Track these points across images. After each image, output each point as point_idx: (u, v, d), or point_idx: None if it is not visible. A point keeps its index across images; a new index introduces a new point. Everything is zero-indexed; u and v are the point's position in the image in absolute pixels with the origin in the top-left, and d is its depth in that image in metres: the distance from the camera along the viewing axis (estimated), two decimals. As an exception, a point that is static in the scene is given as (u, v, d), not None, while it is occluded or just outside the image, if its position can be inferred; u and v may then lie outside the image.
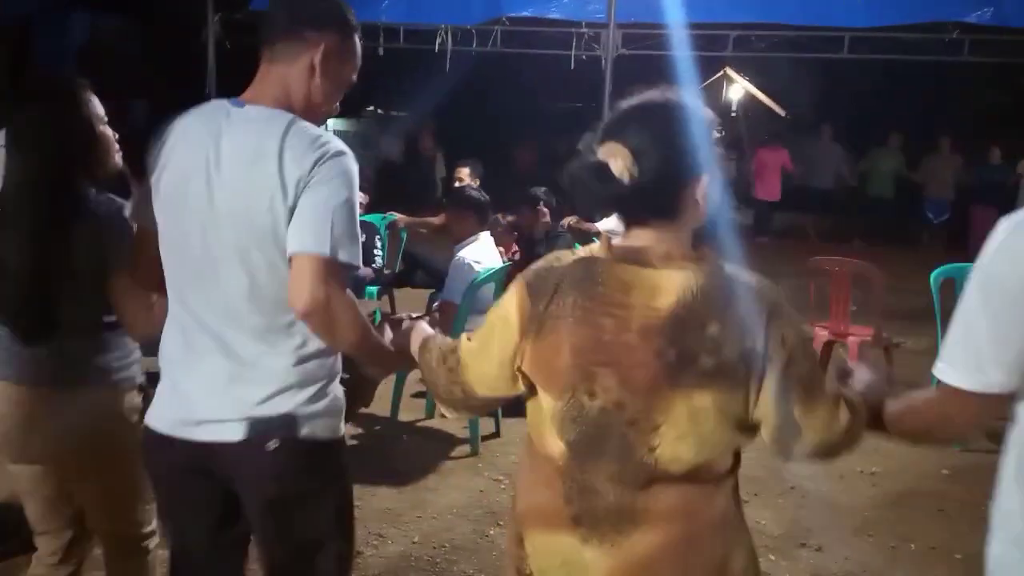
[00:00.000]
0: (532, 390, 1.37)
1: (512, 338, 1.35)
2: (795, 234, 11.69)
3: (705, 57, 8.75)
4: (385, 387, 4.08)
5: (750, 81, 19.53)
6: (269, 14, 1.64)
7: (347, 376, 4.48)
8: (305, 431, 1.58)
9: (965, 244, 9.52)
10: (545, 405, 1.33)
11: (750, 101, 19.95)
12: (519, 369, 1.36)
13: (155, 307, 1.76)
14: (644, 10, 6.60)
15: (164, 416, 1.63)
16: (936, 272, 4.36)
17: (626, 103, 1.36)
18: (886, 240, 10.66)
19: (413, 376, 4.12)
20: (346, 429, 4.31)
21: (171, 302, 1.64)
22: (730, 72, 19.56)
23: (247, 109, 1.57)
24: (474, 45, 8.27)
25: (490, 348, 1.39)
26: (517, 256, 4.89)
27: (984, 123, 12.13)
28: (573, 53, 8.03)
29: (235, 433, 1.55)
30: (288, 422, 1.57)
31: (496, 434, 4.08)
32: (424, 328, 1.63)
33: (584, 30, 7.78)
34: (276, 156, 1.48)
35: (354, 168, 1.55)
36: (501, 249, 4.87)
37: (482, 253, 4.16)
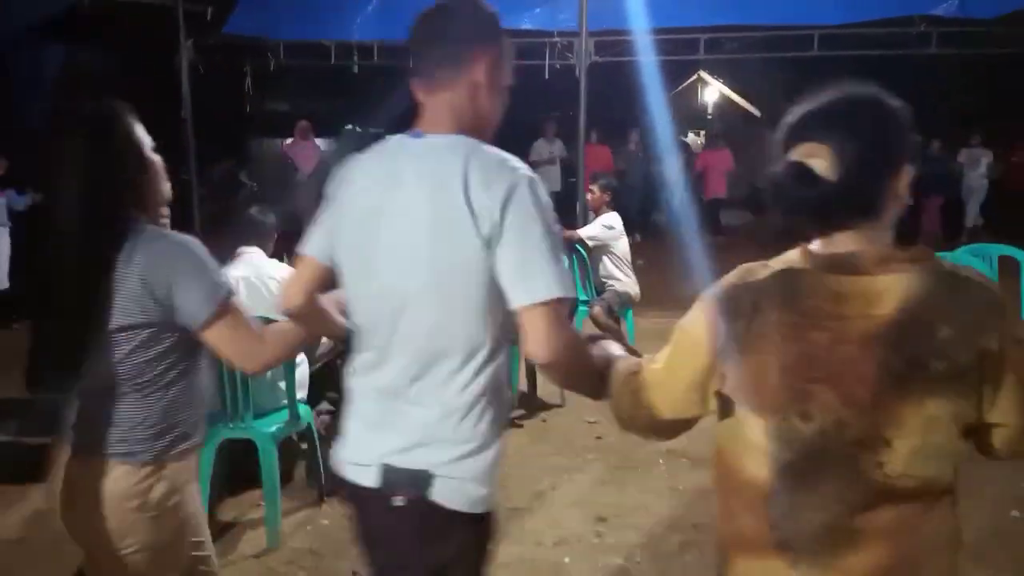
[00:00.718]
0: (725, 413, 1.33)
1: (702, 360, 1.31)
2: (743, 233, 11.80)
3: (678, 61, 8.83)
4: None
5: (724, 83, 19.69)
6: (418, 43, 1.54)
7: (335, 395, 4.44)
8: (439, 495, 1.45)
9: (916, 232, 10.21)
10: (748, 429, 1.27)
11: (725, 103, 20.10)
12: (718, 392, 1.31)
13: (270, 334, 1.70)
14: (615, 17, 6.65)
15: (339, 453, 1.61)
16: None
17: (811, 103, 1.32)
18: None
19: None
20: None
21: (354, 337, 1.58)
22: (704, 75, 19.72)
23: (426, 139, 1.50)
24: (448, 59, 8.28)
25: (676, 370, 1.36)
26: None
27: (959, 116, 12.29)
28: (547, 62, 8.09)
29: (370, 478, 1.49)
30: (419, 479, 1.45)
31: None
32: (611, 348, 1.59)
33: (556, 39, 7.84)
34: (461, 185, 1.40)
35: (543, 189, 1.45)
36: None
37: None
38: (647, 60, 6.85)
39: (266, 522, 3.28)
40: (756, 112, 18.35)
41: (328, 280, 1.62)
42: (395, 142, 1.54)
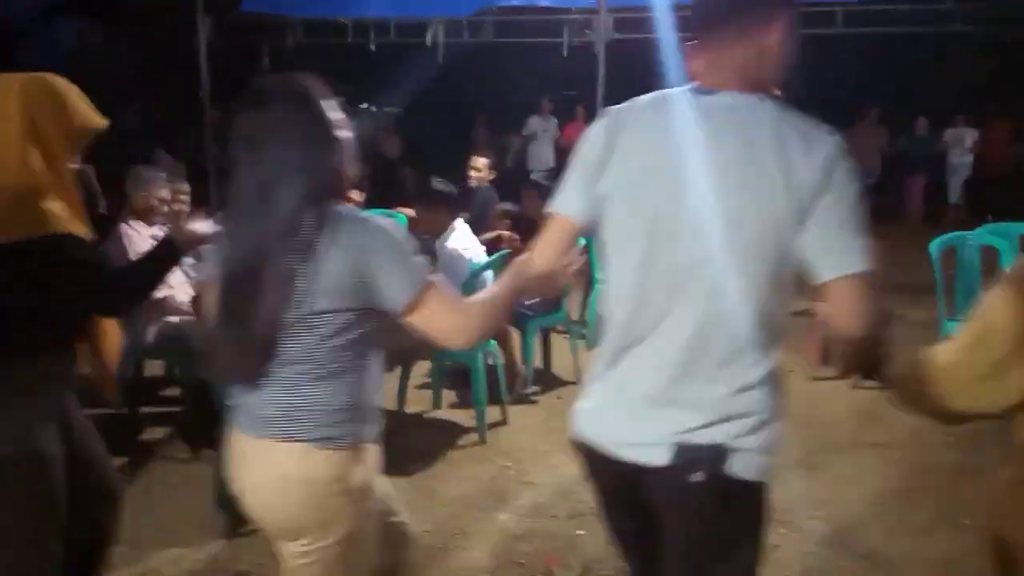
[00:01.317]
0: None
1: (1005, 347, 1.25)
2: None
3: (698, 38, 8.71)
4: (391, 380, 4.09)
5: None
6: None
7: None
8: (735, 467, 1.43)
9: (903, 212, 10.75)
10: None
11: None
12: None
13: (475, 309, 1.63)
14: (634, -7, 6.57)
15: (602, 432, 1.54)
16: (937, 241, 4.35)
17: None
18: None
19: (418, 368, 4.14)
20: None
21: (622, 311, 1.50)
22: (723, 54, 19.51)
23: (720, 96, 1.42)
24: (465, 37, 8.25)
25: (973, 359, 1.30)
26: (518, 242, 4.85)
27: (957, 95, 12.13)
28: (565, 40, 8.01)
29: (659, 457, 1.44)
30: (717, 455, 1.42)
31: (503, 422, 4.08)
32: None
33: (575, 16, 7.75)
34: (774, 147, 1.34)
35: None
36: (507, 234, 4.86)
37: (466, 241, 4.15)
38: (668, 37, 6.78)
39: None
40: (776, 91, 18.14)
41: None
42: (673, 97, 1.46)
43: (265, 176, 1.51)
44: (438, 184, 4.28)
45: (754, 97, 1.41)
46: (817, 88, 13.64)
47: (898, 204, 10.92)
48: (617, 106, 1.52)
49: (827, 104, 12.44)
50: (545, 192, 5.30)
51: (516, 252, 4.28)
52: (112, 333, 2.09)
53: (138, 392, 4.08)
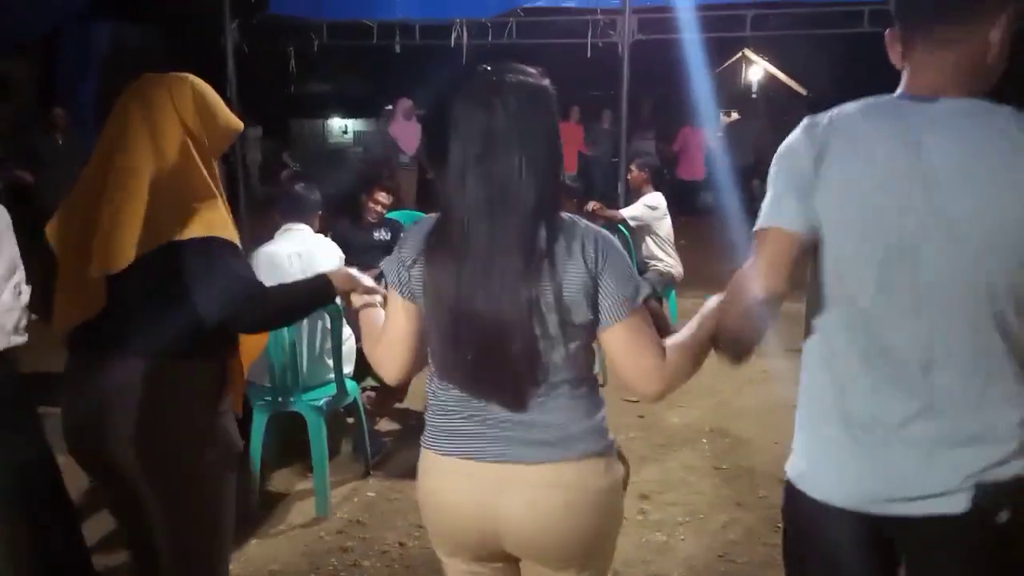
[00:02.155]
0: None
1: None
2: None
3: (722, 39, 8.68)
4: (419, 381, 4.12)
5: (769, 61, 19.34)
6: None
7: None
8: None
9: None
10: None
11: (770, 81, 19.76)
12: None
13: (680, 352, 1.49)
14: (659, -6, 6.56)
15: (840, 488, 1.40)
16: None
17: None
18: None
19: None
20: (382, 423, 4.33)
21: (854, 340, 1.37)
22: (748, 53, 19.39)
23: (944, 103, 1.32)
24: (489, 38, 8.27)
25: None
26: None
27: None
28: (589, 41, 8.01)
29: (955, 505, 1.31)
30: (1020, 489, 1.31)
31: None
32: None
33: (599, 17, 7.75)
34: (1010, 161, 1.26)
35: None
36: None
37: None
38: (692, 37, 6.75)
39: (315, 492, 3.36)
40: (802, 91, 18.01)
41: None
42: (895, 103, 1.37)
43: (503, 181, 1.40)
44: None
45: (982, 104, 1.32)
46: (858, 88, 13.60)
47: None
48: (819, 116, 1.41)
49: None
50: (573, 194, 5.32)
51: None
52: (250, 342, 2.04)
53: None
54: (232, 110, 1.94)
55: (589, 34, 8.00)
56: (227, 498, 1.89)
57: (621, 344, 1.46)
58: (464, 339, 1.45)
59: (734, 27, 7.82)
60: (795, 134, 1.42)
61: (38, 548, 2.13)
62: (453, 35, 8.13)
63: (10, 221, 2.06)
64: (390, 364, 1.63)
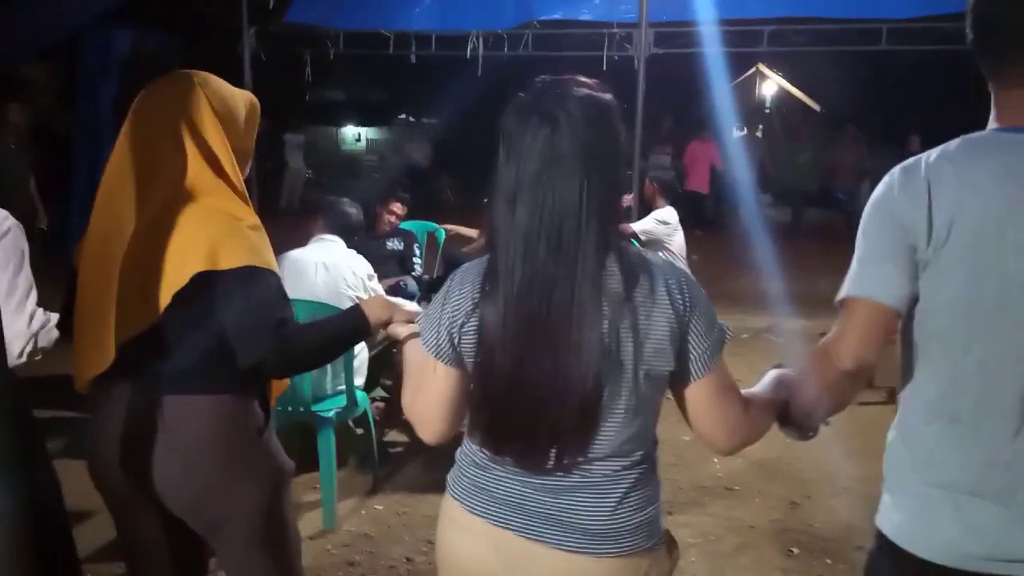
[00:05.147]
0: None
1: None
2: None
3: (737, 54, 8.66)
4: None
5: (783, 77, 19.31)
6: (1000, 16, 1.31)
7: (389, 383, 4.50)
8: None
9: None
10: None
11: (784, 97, 19.72)
12: None
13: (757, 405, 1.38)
14: (676, 8, 6.56)
15: (945, 547, 1.32)
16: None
17: None
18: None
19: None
20: (392, 435, 4.31)
21: (976, 391, 1.30)
22: (762, 68, 19.37)
23: None
24: (505, 50, 8.28)
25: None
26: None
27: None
28: (605, 54, 8.01)
29: None
30: None
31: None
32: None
33: (616, 31, 7.76)
34: None
35: None
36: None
37: None
38: (708, 52, 6.74)
39: (323, 504, 3.33)
40: (816, 107, 17.97)
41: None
42: (994, 139, 1.31)
43: (565, 207, 1.22)
44: None
45: None
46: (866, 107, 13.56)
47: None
48: (913, 160, 1.34)
49: (868, 122, 12.33)
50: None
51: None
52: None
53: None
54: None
55: (605, 47, 7.99)
56: (289, 524, 1.82)
57: (708, 397, 1.31)
58: (517, 408, 1.27)
59: (751, 42, 7.80)
60: (891, 182, 1.33)
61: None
62: (469, 46, 8.14)
63: (27, 247, 2.03)
64: (429, 426, 1.44)
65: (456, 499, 1.41)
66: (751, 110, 18.50)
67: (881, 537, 1.42)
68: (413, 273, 5.57)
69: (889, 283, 1.30)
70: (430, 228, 5.92)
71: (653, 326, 1.24)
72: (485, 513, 1.36)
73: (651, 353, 1.25)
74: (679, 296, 1.26)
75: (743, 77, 19.45)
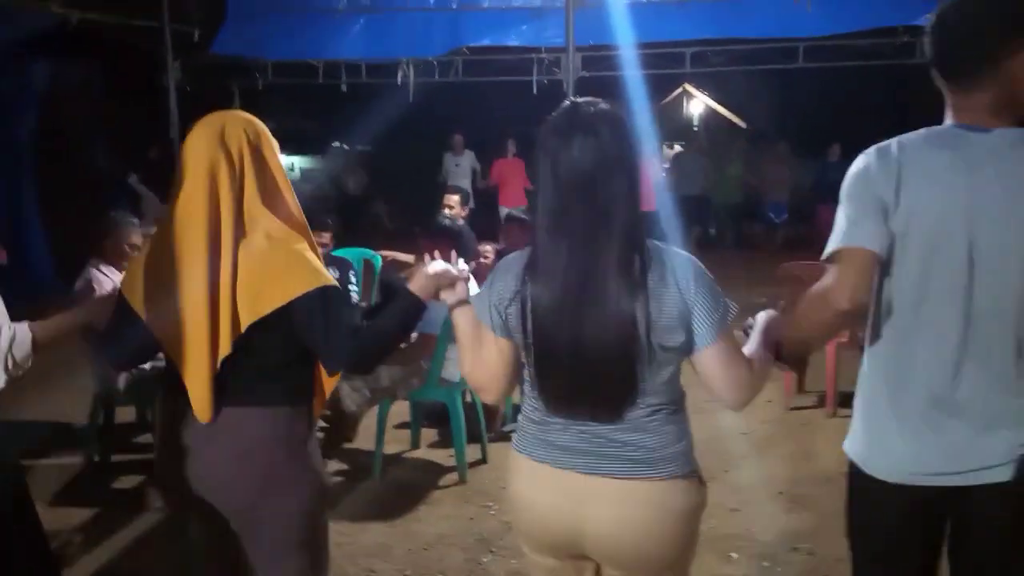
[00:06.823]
0: None
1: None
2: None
3: (664, 75, 8.90)
4: (369, 420, 4.05)
5: (709, 96, 19.84)
6: (952, 34, 1.55)
7: (329, 413, 4.43)
8: None
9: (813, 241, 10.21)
10: None
11: (711, 115, 20.25)
12: None
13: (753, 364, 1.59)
14: (602, 32, 6.71)
15: (902, 466, 1.60)
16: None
17: None
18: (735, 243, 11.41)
19: (396, 408, 4.10)
20: (331, 465, 4.23)
21: (932, 344, 1.55)
22: (689, 88, 19.87)
23: (998, 133, 1.50)
24: (436, 76, 8.34)
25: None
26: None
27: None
28: (535, 78, 8.14)
29: (1002, 475, 1.53)
30: None
31: (483, 460, 4.05)
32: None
33: (544, 55, 7.89)
34: None
35: None
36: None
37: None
38: (634, 74, 6.91)
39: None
40: (741, 123, 18.49)
41: None
42: (953, 134, 1.53)
43: (606, 208, 1.46)
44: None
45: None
46: (783, 120, 13.97)
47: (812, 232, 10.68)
48: (886, 144, 1.55)
49: (791, 136, 12.68)
50: (526, 226, 5.34)
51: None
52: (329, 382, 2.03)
53: (110, 440, 4.01)
54: (174, 147, 1.94)
55: (535, 71, 8.13)
56: (327, 533, 1.95)
57: (717, 362, 1.52)
58: (567, 366, 1.51)
59: (675, 64, 8.02)
60: (869, 160, 1.55)
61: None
62: (400, 73, 8.18)
63: None
64: (491, 389, 1.71)
65: (523, 453, 1.65)
66: (681, 128, 18.93)
67: (850, 465, 1.70)
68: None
69: (875, 234, 1.51)
70: (367, 255, 5.88)
71: (664, 308, 1.46)
72: (550, 460, 1.59)
73: (663, 330, 1.47)
74: (685, 282, 1.47)
75: (671, 97, 19.93)
